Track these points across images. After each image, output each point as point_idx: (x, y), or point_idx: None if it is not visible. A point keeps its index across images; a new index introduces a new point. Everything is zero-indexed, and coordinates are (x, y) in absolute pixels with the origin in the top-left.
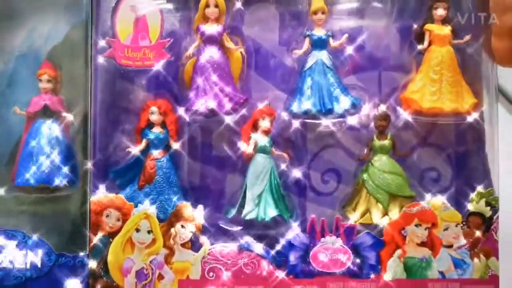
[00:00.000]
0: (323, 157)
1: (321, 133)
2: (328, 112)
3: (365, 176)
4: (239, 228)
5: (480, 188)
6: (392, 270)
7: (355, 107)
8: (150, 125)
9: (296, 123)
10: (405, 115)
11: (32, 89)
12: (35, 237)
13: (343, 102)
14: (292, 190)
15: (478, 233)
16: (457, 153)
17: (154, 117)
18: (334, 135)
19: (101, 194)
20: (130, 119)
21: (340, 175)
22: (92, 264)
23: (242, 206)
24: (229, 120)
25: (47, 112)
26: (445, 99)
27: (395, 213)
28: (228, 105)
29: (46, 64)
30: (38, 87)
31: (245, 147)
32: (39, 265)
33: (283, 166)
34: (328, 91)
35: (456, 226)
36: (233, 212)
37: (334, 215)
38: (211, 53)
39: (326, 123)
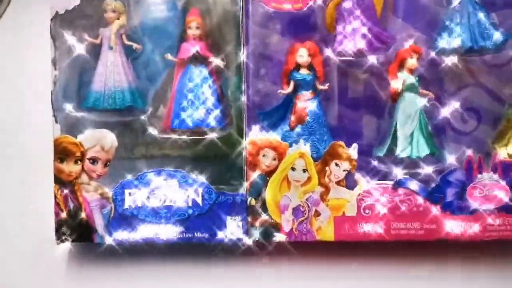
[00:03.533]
0: (463, 96)
1: (462, 71)
2: (480, 48)
3: None
4: (392, 166)
5: None
6: None
7: (506, 42)
8: (297, 67)
9: (446, 60)
10: None
11: (174, 35)
12: (194, 176)
13: (496, 37)
14: (434, 129)
15: None
16: None
17: (303, 59)
18: (474, 74)
19: (255, 135)
20: (276, 64)
21: (480, 114)
22: (251, 201)
23: (393, 144)
24: (374, 60)
25: (197, 58)
26: None
27: None
28: (376, 45)
29: (194, 11)
30: (180, 34)
31: (394, 83)
32: (200, 203)
33: (428, 105)
34: (479, 27)
35: None
36: (383, 150)
37: (475, 153)
38: None
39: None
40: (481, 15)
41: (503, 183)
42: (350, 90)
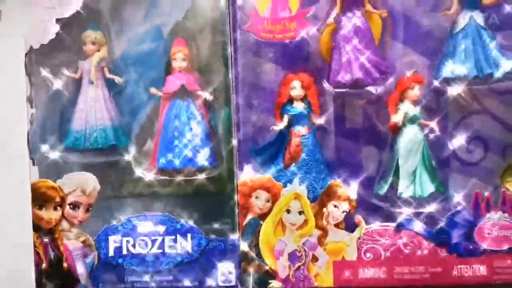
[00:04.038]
0: (467, 124)
1: (466, 99)
2: (487, 77)
3: None
4: (394, 206)
5: None
6: None
7: None
8: (291, 100)
9: (449, 90)
10: None
11: (159, 68)
12: (183, 221)
13: (504, 65)
14: (437, 162)
15: None
16: None
17: (296, 92)
18: (480, 101)
19: (247, 175)
20: (267, 95)
21: (487, 143)
22: (244, 247)
23: (394, 182)
24: (374, 90)
25: (183, 92)
26: None
27: None
28: (375, 75)
29: (180, 41)
30: (165, 66)
31: (395, 117)
32: (189, 250)
33: (431, 137)
34: (485, 54)
35: None
36: (385, 188)
37: (482, 186)
38: (354, 19)
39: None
40: (488, 40)
41: None
42: (347, 120)
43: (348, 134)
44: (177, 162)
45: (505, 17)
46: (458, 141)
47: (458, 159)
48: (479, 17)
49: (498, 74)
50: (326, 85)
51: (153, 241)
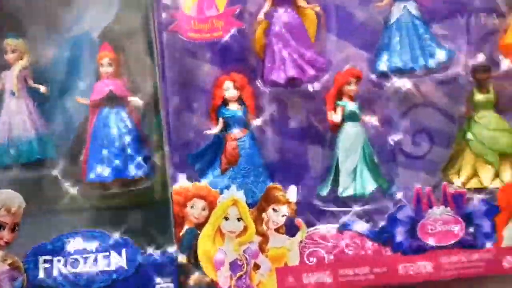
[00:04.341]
0: (412, 117)
1: (409, 92)
2: (422, 68)
3: (469, 135)
4: (336, 206)
5: None
6: (509, 237)
7: (450, 59)
8: (225, 102)
9: (385, 83)
10: (507, 63)
11: (88, 74)
12: (116, 235)
13: (438, 55)
14: (382, 157)
15: None
16: None
17: (230, 93)
18: (423, 93)
19: (182, 183)
20: (203, 97)
21: (433, 135)
22: (182, 259)
23: (335, 181)
24: (311, 88)
25: (112, 98)
26: None
27: (507, 174)
28: (310, 72)
29: (105, 46)
30: (96, 72)
31: (333, 116)
32: (124, 266)
33: (372, 132)
34: (420, 44)
35: None
36: (326, 189)
37: (429, 180)
38: (285, 15)
39: (415, 81)
40: (422, 31)
41: (456, 216)
42: (287, 120)
43: (289, 134)
44: (107, 174)
45: (438, 6)
46: (403, 134)
47: (404, 153)
48: (412, 7)
49: (433, 64)
50: (261, 84)
51: (85, 259)
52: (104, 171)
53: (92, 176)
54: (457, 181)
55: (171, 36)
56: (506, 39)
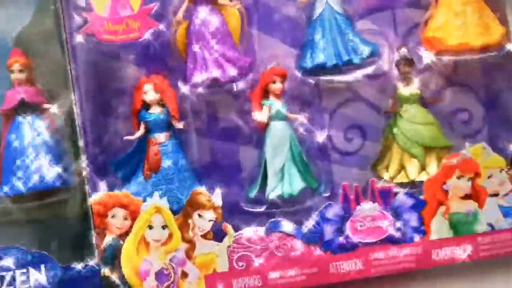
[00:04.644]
0: (343, 114)
1: (338, 88)
2: (346, 64)
3: (395, 130)
4: (264, 207)
5: None
6: (437, 229)
7: (374, 54)
8: (147, 105)
9: (311, 81)
10: (429, 56)
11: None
12: (34, 250)
13: (361, 51)
14: (313, 155)
15: None
16: (488, 91)
17: (150, 97)
18: (352, 88)
19: (102, 192)
20: (123, 101)
21: (365, 130)
22: (105, 271)
23: (264, 182)
24: (236, 87)
25: (25, 107)
26: (472, 32)
27: (433, 167)
28: (232, 72)
29: (16, 51)
30: (10, 79)
31: (258, 115)
32: (44, 282)
33: (301, 130)
34: (343, 40)
35: (501, 171)
36: (255, 190)
37: (363, 175)
38: (205, 14)
39: (343, 77)
40: (344, 27)
41: (384, 211)
42: (219, 121)
43: (218, 136)
44: (22, 186)
45: (360, 1)
46: (335, 131)
47: (336, 150)
48: (334, 3)
49: (357, 60)
50: (183, 86)
51: (1, 278)
52: (18, 183)
53: (6, 189)
54: (386, 176)
55: (86, 38)
56: (427, 32)
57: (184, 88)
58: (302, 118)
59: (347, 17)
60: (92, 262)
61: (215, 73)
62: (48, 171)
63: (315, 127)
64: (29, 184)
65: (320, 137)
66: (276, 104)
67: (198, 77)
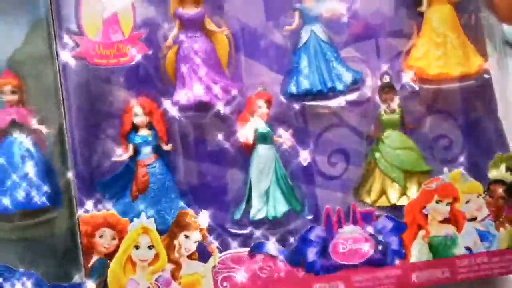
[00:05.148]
0: (328, 138)
1: (323, 113)
2: (330, 90)
3: (377, 154)
4: (249, 229)
5: (498, 154)
6: (417, 252)
7: (358, 81)
8: (135, 128)
9: (296, 106)
10: (410, 84)
11: None
12: (21, 269)
13: (345, 78)
14: (298, 178)
15: (501, 202)
16: (467, 118)
17: (139, 119)
18: (337, 114)
19: (89, 212)
20: (113, 123)
21: (348, 155)
22: None
23: (249, 204)
24: (223, 111)
25: (16, 127)
26: (452, 63)
27: (413, 191)
28: (220, 96)
29: (7, 73)
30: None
31: (244, 135)
32: None
33: (286, 154)
34: (328, 67)
35: (478, 197)
36: (240, 212)
37: (347, 199)
38: (194, 39)
39: (328, 103)
40: (329, 54)
41: (365, 234)
42: (206, 143)
43: (205, 158)
44: (9, 205)
45: (345, 30)
46: (319, 155)
47: (320, 174)
48: (319, 31)
49: (341, 87)
50: (170, 108)
51: None
52: (6, 201)
53: None
54: (368, 200)
55: (78, 62)
56: (409, 60)
57: (173, 111)
58: (287, 141)
59: (332, 45)
60: (79, 281)
61: (203, 97)
62: (36, 191)
63: (300, 151)
64: (17, 203)
65: (305, 161)
66: (261, 128)
67: (187, 100)
